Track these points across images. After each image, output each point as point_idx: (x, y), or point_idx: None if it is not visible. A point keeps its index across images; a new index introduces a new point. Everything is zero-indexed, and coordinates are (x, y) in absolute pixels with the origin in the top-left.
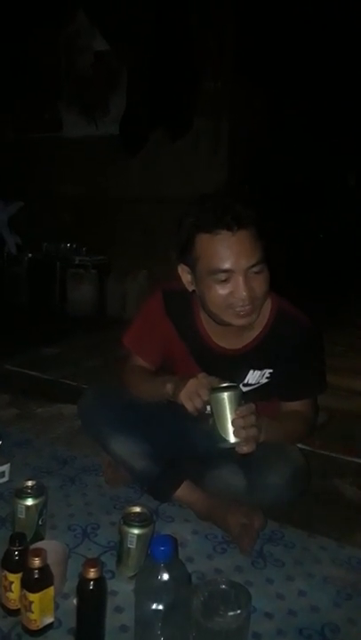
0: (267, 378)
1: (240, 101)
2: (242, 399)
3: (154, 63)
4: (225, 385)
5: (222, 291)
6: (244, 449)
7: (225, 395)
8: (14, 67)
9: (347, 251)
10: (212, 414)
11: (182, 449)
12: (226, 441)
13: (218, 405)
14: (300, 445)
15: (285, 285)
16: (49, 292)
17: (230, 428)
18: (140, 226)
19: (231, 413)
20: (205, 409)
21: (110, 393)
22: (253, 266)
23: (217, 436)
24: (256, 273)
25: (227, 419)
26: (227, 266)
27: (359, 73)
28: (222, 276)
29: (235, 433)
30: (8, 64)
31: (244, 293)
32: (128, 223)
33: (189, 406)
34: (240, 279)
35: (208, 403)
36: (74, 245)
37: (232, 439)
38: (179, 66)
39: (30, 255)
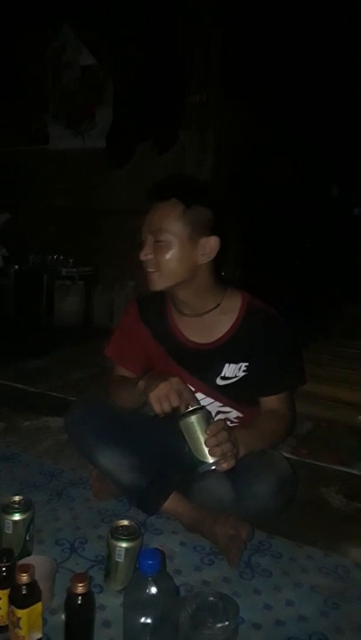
0: (244, 371)
1: (226, 114)
2: (211, 418)
3: (140, 76)
4: (191, 409)
5: (140, 254)
6: (224, 466)
7: (193, 418)
8: (0, 79)
9: (331, 261)
10: (186, 442)
11: (169, 461)
12: (204, 463)
13: (188, 430)
14: (286, 454)
15: (270, 295)
16: (36, 304)
17: (205, 449)
18: (126, 237)
19: (202, 434)
20: (173, 413)
21: (97, 405)
22: (156, 231)
23: (195, 461)
24: (160, 241)
25: (200, 440)
26: (142, 229)
27: (345, 86)
28: (142, 238)
29: (210, 452)
30: None
31: (143, 254)
32: (115, 235)
33: (157, 408)
34: (147, 241)
35: (177, 408)
36: (61, 257)
37: (209, 459)
38: (165, 79)
39: (17, 267)
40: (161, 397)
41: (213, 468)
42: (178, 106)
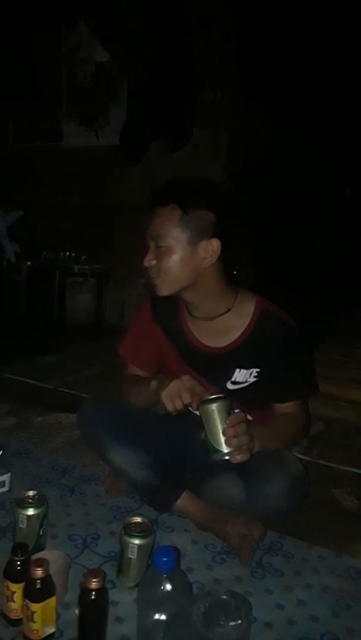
0: (255, 377)
1: (239, 112)
2: (231, 409)
3: (154, 74)
4: (214, 397)
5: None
6: (238, 458)
7: (214, 406)
8: (15, 76)
9: (344, 260)
10: (203, 427)
11: (181, 459)
12: (219, 451)
13: (208, 417)
14: (297, 455)
15: (281, 295)
16: (48, 301)
17: (222, 438)
18: (138, 235)
19: (222, 424)
20: (185, 411)
21: (109, 403)
22: (156, 237)
23: (209, 448)
24: (162, 247)
25: (218, 429)
26: (146, 234)
27: (359, 85)
28: (146, 243)
29: (227, 442)
30: (9, 74)
31: (146, 261)
32: (127, 232)
33: (169, 406)
34: (150, 247)
35: (189, 405)
36: (73, 254)
37: (225, 449)
38: (179, 76)
39: (29, 263)
40: (173, 395)
41: (227, 458)
42: (191, 104)
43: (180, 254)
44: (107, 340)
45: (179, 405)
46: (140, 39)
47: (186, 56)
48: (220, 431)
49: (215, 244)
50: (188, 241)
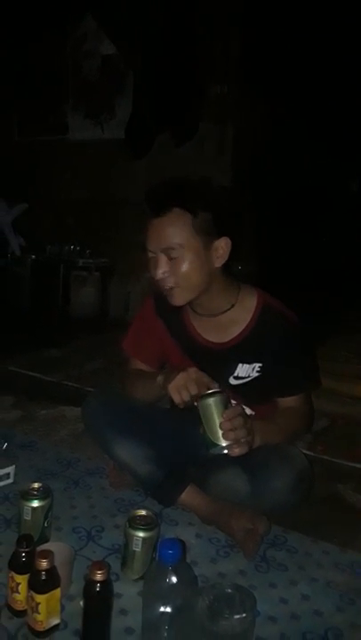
0: (257, 372)
1: (245, 106)
2: (229, 403)
3: (160, 67)
4: (210, 392)
5: (152, 269)
6: (236, 451)
7: (211, 400)
8: (21, 69)
9: (349, 256)
10: (201, 422)
11: (186, 453)
12: (217, 445)
13: (205, 411)
14: (302, 450)
15: (287, 290)
16: (52, 294)
17: (219, 432)
18: (143, 229)
19: (219, 417)
20: (192, 402)
21: (114, 397)
22: (169, 249)
23: (208, 442)
24: (175, 256)
25: (215, 423)
26: (148, 245)
27: None
28: (150, 254)
29: (224, 436)
30: (15, 66)
31: (158, 271)
32: (132, 226)
33: (177, 398)
34: (160, 258)
35: (196, 397)
36: (77, 247)
37: (222, 442)
38: (185, 70)
39: (34, 257)
40: (180, 387)
41: (225, 452)
42: (197, 98)
43: (197, 260)
44: (111, 334)
45: (186, 397)
46: (147, 32)
47: (192, 50)
48: (218, 425)
49: (224, 242)
50: (203, 244)
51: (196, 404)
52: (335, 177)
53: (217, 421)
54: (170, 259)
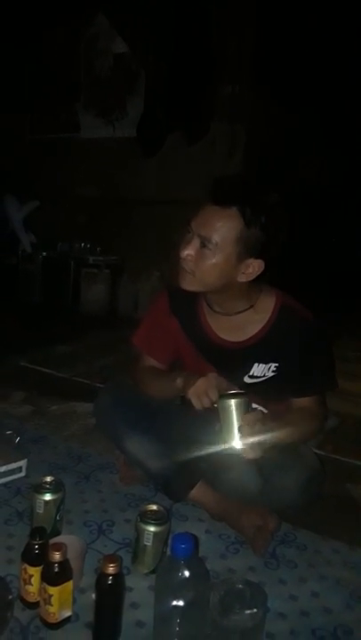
0: (273, 372)
1: (257, 106)
2: (249, 407)
3: (172, 67)
4: (233, 392)
5: (182, 244)
6: (250, 455)
7: (232, 402)
8: (33, 68)
9: (359, 256)
10: (219, 420)
11: (197, 449)
12: (232, 447)
13: (225, 412)
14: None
15: (298, 290)
16: (62, 291)
17: (237, 435)
18: (153, 227)
19: (238, 420)
20: (213, 407)
21: (126, 393)
22: (206, 238)
23: (223, 440)
24: (207, 248)
25: (233, 425)
26: (191, 222)
27: None
28: (188, 229)
29: (241, 439)
30: (27, 65)
31: (185, 252)
32: (142, 224)
33: (197, 404)
34: (193, 240)
35: (216, 402)
36: (88, 245)
37: (238, 445)
38: (197, 70)
39: (45, 254)
40: (200, 393)
41: (239, 453)
42: (209, 97)
43: (223, 265)
44: (120, 330)
45: (207, 403)
46: (160, 31)
47: (204, 49)
48: (236, 427)
49: (257, 265)
50: (237, 255)
51: (215, 405)
52: (345, 177)
53: (235, 423)
54: (202, 246)
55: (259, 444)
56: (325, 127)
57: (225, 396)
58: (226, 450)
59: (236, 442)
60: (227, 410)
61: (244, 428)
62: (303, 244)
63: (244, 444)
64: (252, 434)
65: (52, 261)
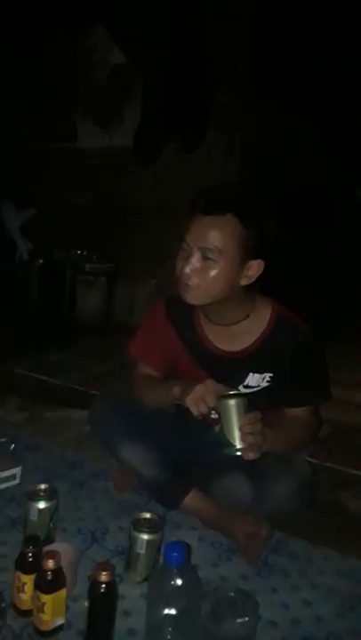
0: (267, 382)
1: (253, 115)
2: (248, 407)
3: (169, 76)
4: (233, 392)
5: (179, 261)
6: (250, 455)
7: (233, 401)
8: (31, 76)
9: (353, 264)
10: (219, 421)
11: (190, 457)
12: (233, 446)
13: (226, 412)
14: (305, 457)
15: (290, 298)
16: (58, 298)
17: (237, 434)
18: (149, 235)
19: (239, 420)
20: (210, 414)
21: (120, 401)
22: (207, 250)
23: (224, 442)
24: (209, 259)
25: (234, 425)
26: (186, 237)
27: None
28: (183, 245)
29: (242, 439)
30: (25, 74)
31: (188, 268)
32: (138, 232)
33: (195, 411)
34: (193, 254)
35: (214, 409)
36: (84, 253)
37: (239, 445)
38: (193, 79)
39: (41, 261)
40: (197, 400)
41: (239, 454)
42: (205, 107)
43: (228, 271)
44: (116, 338)
45: (204, 410)
46: (157, 42)
47: (201, 59)
48: (237, 427)
49: (258, 266)
50: (240, 259)
51: (213, 413)
52: (341, 185)
53: (236, 423)
54: (204, 258)
55: (259, 444)
56: (322, 136)
57: (225, 396)
58: (226, 450)
59: (237, 441)
60: (227, 410)
61: (245, 426)
62: (296, 250)
63: (244, 444)
64: (254, 433)
65: (49, 268)
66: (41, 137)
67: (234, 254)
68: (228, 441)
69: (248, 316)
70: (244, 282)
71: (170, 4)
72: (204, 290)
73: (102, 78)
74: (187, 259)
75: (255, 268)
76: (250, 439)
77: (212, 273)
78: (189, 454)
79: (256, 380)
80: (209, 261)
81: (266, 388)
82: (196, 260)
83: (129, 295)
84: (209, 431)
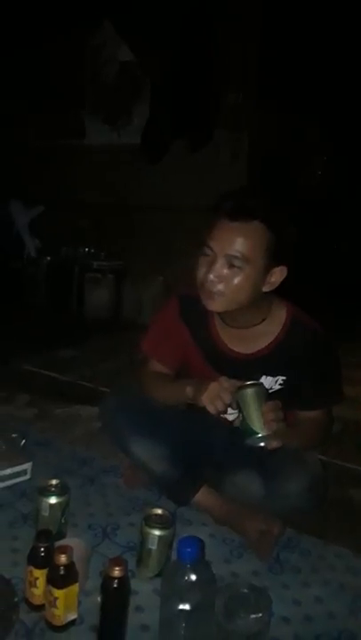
0: (280, 385)
1: (261, 114)
2: (267, 395)
3: (177, 75)
4: (251, 382)
5: (202, 267)
6: (274, 443)
7: (252, 390)
8: (40, 73)
9: (358, 263)
10: (240, 412)
11: (201, 453)
12: (257, 434)
13: (245, 402)
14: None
15: (300, 296)
16: (67, 295)
17: (260, 421)
18: (157, 233)
19: (260, 407)
20: (226, 412)
21: (131, 397)
22: (234, 257)
23: (247, 431)
24: (235, 266)
25: (257, 413)
26: (210, 243)
27: None
28: (207, 251)
29: (266, 425)
30: (34, 71)
31: (212, 274)
32: (146, 230)
33: (211, 409)
34: (218, 261)
35: (230, 405)
36: (92, 250)
37: (263, 432)
38: (202, 78)
39: (49, 258)
40: (213, 398)
41: (262, 444)
42: (213, 105)
43: (253, 279)
44: (123, 335)
45: (220, 407)
46: (165, 39)
47: (209, 57)
48: (260, 414)
49: (281, 272)
50: (265, 267)
51: (229, 413)
52: (349, 183)
53: (257, 411)
54: (229, 265)
55: (283, 431)
56: (329, 134)
57: (244, 386)
58: (250, 439)
59: (261, 429)
60: (247, 399)
61: (267, 414)
62: (304, 249)
63: (269, 430)
64: (276, 420)
65: (57, 266)
66: (49, 134)
67: (259, 262)
68: (252, 429)
69: (264, 319)
70: (266, 288)
71: (178, 2)
72: (229, 297)
73: (111, 76)
74: (210, 264)
75: (278, 275)
76: (274, 425)
77: (237, 280)
78: (200, 450)
79: (268, 383)
80: (234, 268)
81: (278, 391)
82: (220, 267)
83: (137, 292)
84: (220, 427)
